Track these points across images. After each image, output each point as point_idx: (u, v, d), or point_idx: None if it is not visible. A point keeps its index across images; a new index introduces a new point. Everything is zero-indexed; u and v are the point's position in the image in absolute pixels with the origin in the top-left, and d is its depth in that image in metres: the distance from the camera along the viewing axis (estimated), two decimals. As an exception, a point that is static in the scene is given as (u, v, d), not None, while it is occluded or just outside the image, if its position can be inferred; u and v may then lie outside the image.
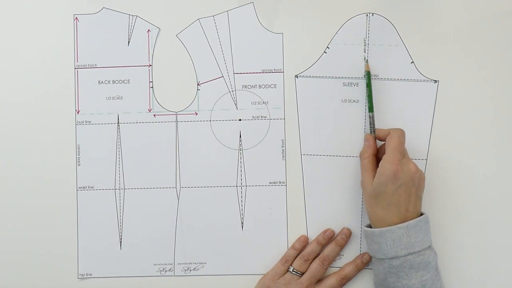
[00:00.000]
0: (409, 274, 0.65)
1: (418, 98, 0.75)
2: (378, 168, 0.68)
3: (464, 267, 0.74)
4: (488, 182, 0.74)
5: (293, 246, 0.74)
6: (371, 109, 0.73)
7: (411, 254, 0.66)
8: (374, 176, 0.68)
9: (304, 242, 0.74)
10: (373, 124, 0.73)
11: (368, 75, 0.73)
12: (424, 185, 0.69)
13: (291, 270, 0.73)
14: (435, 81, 0.75)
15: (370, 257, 0.73)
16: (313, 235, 0.75)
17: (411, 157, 0.70)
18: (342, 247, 0.73)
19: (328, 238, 0.74)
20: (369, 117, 0.73)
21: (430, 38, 0.75)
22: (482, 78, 0.75)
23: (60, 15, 0.77)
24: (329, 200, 0.75)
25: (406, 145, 0.70)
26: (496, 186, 0.74)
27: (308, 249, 0.73)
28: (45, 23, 0.76)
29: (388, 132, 0.70)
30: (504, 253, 0.74)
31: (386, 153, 0.68)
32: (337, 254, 0.73)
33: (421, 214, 0.69)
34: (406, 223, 0.66)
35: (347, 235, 0.73)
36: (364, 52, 0.75)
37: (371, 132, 0.72)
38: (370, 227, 0.70)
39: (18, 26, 0.77)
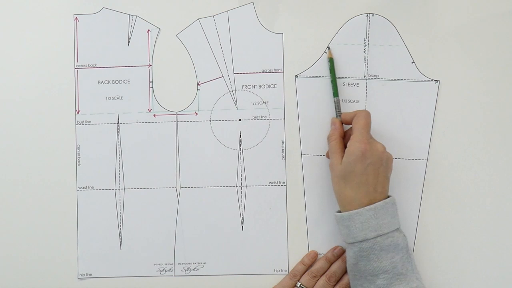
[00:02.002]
0: (379, 256, 0.65)
1: (419, 98, 0.75)
2: (347, 148, 0.68)
3: (465, 266, 0.74)
4: (489, 182, 0.74)
5: (302, 261, 0.74)
6: (335, 93, 0.73)
7: (380, 236, 0.66)
8: (342, 157, 0.68)
9: (313, 258, 0.74)
10: (339, 108, 0.73)
11: (331, 61, 0.74)
12: (392, 166, 0.70)
13: (298, 286, 0.73)
14: (436, 81, 0.75)
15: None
16: (313, 235, 0.75)
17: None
18: None
19: (337, 255, 0.74)
20: (334, 101, 0.73)
21: (430, 38, 0.75)
22: (482, 78, 0.75)
23: (60, 15, 0.77)
24: (329, 200, 0.75)
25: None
26: (497, 186, 0.74)
27: (317, 265, 0.73)
28: (45, 23, 0.77)
29: (354, 114, 0.70)
30: (505, 252, 0.74)
31: (353, 133, 0.69)
32: (344, 270, 0.73)
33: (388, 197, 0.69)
34: (374, 205, 0.66)
35: None
36: (364, 52, 0.75)
37: (337, 116, 0.73)
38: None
39: (18, 26, 0.77)
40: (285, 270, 0.75)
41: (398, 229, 0.68)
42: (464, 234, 0.74)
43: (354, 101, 0.75)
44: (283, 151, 0.76)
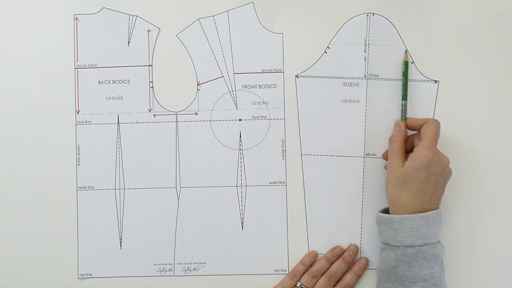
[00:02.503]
0: (421, 264, 0.66)
1: (419, 98, 0.75)
2: (413, 153, 0.68)
3: (465, 266, 0.74)
4: (489, 181, 0.74)
5: (302, 261, 0.74)
6: (404, 97, 0.73)
7: (426, 245, 0.66)
8: (403, 161, 0.68)
9: (313, 258, 0.74)
10: (405, 112, 0.73)
11: (406, 64, 0.74)
12: (449, 180, 0.70)
13: (298, 286, 0.73)
14: (436, 81, 0.75)
15: (367, 261, 0.74)
16: (313, 235, 0.75)
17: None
18: (349, 263, 0.73)
19: (337, 255, 0.74)
20: (402, 105, 0.73)
21: (430, 38, 0.75)
22: (482, 78, 0.75)
23: (60, 15, 0.77)
24: (329, 200, 0.75)
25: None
26: (497, 186, 0.74)
27: (317, 265, 0.73)
28: (45, 23, 0.77)
29: (425, 121, 0.70)
30: (506, 252, 0.74)
31: (423, 139, 0.68)
32: (344, 270, 0.73)
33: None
34: (427, 213, 0.66)
35: (355, 251, 0.74)
36: (365, 52, 0.75)
37: (402, 119, 0.73)
38: (385, 213, 0.70)
39: (18, 26, 0.77)
40: (285, 270, 0.75)
41: (439, 241, 0.68)
42: (465, 234, 0.74)
43: (354, 101, 0.75)
44: (283, 151, 0.76)
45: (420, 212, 0.66)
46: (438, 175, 0.67)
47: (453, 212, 0.74)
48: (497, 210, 0.74)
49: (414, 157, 0.67)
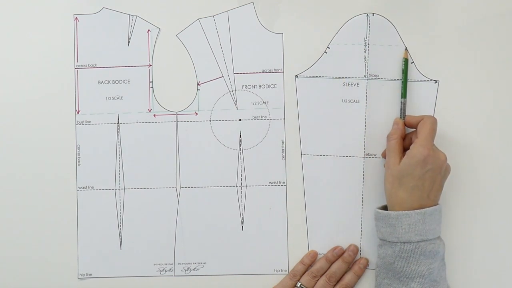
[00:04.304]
0: (418, 260, 0.66)
1: (419, 98, 0.75)
2: (409, 150, 0.68)
3: (464, 266, 0.74)
4: (489, 181, 0.74)
5: (301, 261, 0.74)
6: (404, 95, 0.73)
7: (424, 241, 0.66)
8: (400, 158, 0.69)
9: (313, 258, 0.74)
10: (404, 110, 0.73)
11: (405, 62, 0.74)
12: (448, 176, 0.70)
13: (298, 286, 0.73)
14: (436, 81, 0.75)
15: (367, 261, 0.74)
16: (313, 235, 0.75)
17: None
18: (349, 263, 0.74)
19: (337, 255, 0.74)
20: (401, 102, 0.73)
21: (430, 38, 0.75)
22: (482, 78, 0.75)
23: (60, 15, 0.77)
24: (329, 200, 0.75)
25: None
26: (497, 186, 0.74)
27: (317, 265, 0.73)
28: (45, 23, 0.77)
29: (421, 118, 0.70)
30: (506, 251, 0.74)
31: (418, 137, 0.68)
32: (344, 270, 0.73)
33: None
34: (424, 209, 0.66)
35: (354, 251, 0.74)
36: (365, 52, 0.75)
37: (401, 117, 0.73)
38: (383, 209, 0.70)
39: (18, 26, 0.77)
40: (285, 270, 0.75)
41: (439, 237, 0.68)
42: (464, 234, 0.74)
43: (354, 101, 0.75)
44: (283, 151, 0.76)
45: (418, 208, 0.67)
46: (435, 171, 0.67)
47: (451, 210, 0.74)
48: (496, 208, 0.74)
49: (410, 154, 0.67)
